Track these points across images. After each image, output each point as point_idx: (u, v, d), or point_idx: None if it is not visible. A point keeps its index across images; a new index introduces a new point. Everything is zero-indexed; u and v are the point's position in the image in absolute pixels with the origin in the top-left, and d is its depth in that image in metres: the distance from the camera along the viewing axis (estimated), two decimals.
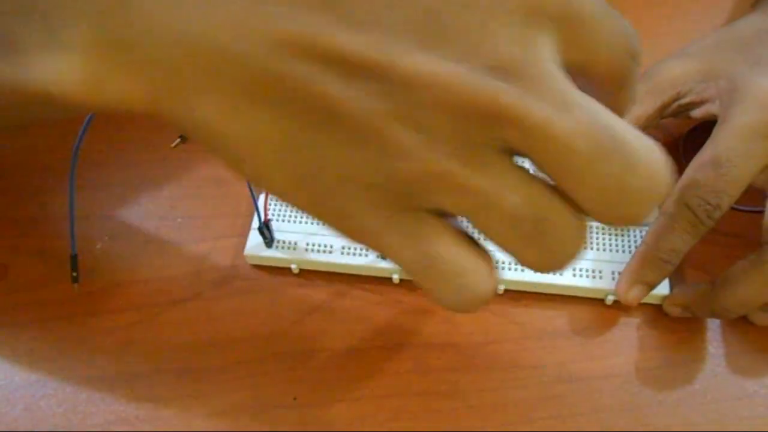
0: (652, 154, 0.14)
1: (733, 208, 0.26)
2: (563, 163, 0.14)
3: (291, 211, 0.29)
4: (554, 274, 0.26)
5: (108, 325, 0.27)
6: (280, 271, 0.28)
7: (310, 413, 0.25)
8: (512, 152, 0.15)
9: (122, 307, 0.28)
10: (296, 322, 0.27)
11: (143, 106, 0.15)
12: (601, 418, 0.24)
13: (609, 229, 0.28)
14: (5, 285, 0.29)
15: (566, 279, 0.27)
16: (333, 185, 0.15)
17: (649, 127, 0.29)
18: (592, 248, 0.27)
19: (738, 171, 0.23)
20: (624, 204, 0.14)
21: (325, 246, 0.28)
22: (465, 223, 0.16)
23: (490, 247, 0.16)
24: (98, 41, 0.15)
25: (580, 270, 0.27)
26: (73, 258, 0.27)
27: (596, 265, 0.27)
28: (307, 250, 0.28)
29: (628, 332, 0.26)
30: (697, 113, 0.27)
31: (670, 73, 0.27)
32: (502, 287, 0.27)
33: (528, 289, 0.27)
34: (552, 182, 0.15)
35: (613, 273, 0.26)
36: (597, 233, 0.28)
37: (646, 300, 0.26)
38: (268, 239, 0.28)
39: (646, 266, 0.25)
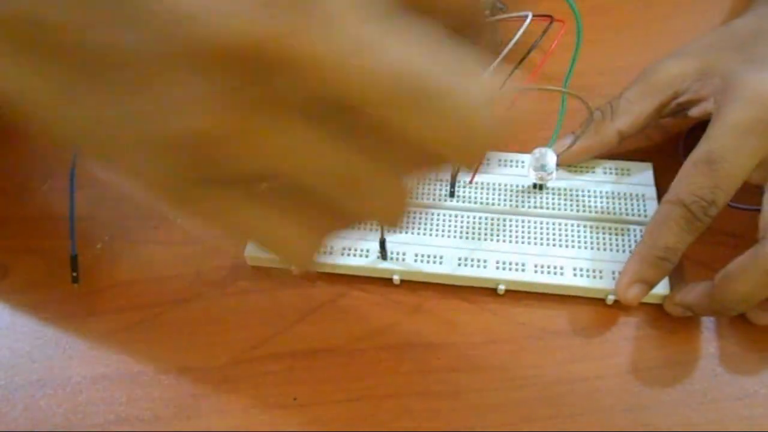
0: (468, 99, 0.12)
1: (733, 207, 0.26)
2: (367, 107, 0.12)
3: None
4: (553, 273, 0.27)
5: (108, 325, 0.27)
6: (280, 271, 0.28)
7: (310, 413, 0.25)
8: (320, 110, 0.13)
9: (122, 307, 0.28)
10: (296, 322, 0.27)
11: None
12: (601, 418, 0.24)
13: (609, 229, 0.28)
14: (5, 285, 0.29)
15: (566, 279, 0.27)
16: (121, 139, 0.14)
17: (648, 126, 0.29)
18: (592, 248, 0.27)
19: (731, 167, 0.24)
20: (443, 147, 0.13)
21: (326, 247, 0.28)
22: None
23: None
24: None
25: (581, 270, 0.27)
26: (74, 258, 0.27)
27: (596, 264, 0.27)
28: None
29: (628, 332, 0.26)
30: (694, 112, 0.27)
31: (667, 72, 0.28)
32: (502, 287, 0.27)
33: (528, 289, 0.27)
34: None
35: (613, 273, 0.26)
36: (596, 233, 0.28)
37: (647, 300, 0.26)
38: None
39: (643, 264, 0.25)
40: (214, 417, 0.25)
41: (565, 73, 0.27)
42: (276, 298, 0.28)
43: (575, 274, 0.27)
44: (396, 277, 0.27)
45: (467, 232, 0.28)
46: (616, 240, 0.27)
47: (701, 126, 0.26)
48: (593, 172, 0.30)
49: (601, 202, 0.29)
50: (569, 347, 0.26)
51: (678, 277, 0.27)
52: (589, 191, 0.29)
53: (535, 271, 0.27)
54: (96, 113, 0.13)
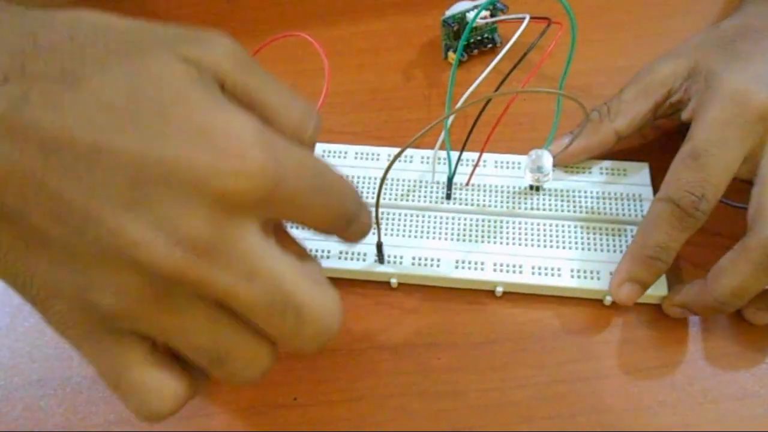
0: (322, 310, 0.18)
1: (733, 206, 0.26)
2: (247, 315, 0.17)
3: None
4: (550, 275, 0.27)
5: None
6: None
7: (310, 413, 0.25)
8: (211, 305, 0.17)
9: None
10: None
11: None
12: (601, 418, 0.24)
13: (606, 230, 0.28)
14: (5, 284, 0.29)
15: (564, 280, 0.27)
16: (41, 295, 0.17)
17: (644, 126, 0.29)
18: (589, 249, 0.27)
19: (716, 160, 0.24)
20: (299, 341, 0.18)
21: (323, 251, 0.28)
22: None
23: None
24: None
25: (578, 271, 0.27)
26: None
27: (594, 266, 0.27)
28: None
29: (628, 332, 0.26)
30: (684, 115, 0.27)
31: (660, 72, 0.28)
32: (500, 289, 0.27)
33: (526, 290, 0.27)
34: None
35: (610, 273, 0.26)
36: (593, 234, 0.28)
37: (645, 300, 0.26)
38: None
39: (635, 263, 0.25)
40: (214, 417, 0.25)
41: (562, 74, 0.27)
42: None
43: (572, 276, 0.27)
44: (394, 281, 0.28)
45: (464, 235, 0.28)
46: (614, 240, 0.28)
47: None
48: (590, 172, 0.30)
49: (598, 203, 0.29)
50: (569, 347, 0.26)
51: (676, 279, 0.27)
52: (585, 192, 0.29)
53: (533, 273, 0.27)
54: (28, 274, 0.16)
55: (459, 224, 0.28)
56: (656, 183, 0.29)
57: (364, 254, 0.28)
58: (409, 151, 0.30)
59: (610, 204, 0.29)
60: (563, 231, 0.28)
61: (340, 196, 0.19)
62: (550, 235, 0.28)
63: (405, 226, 0.28)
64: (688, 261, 0.28)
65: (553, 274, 0.27)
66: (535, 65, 0.25)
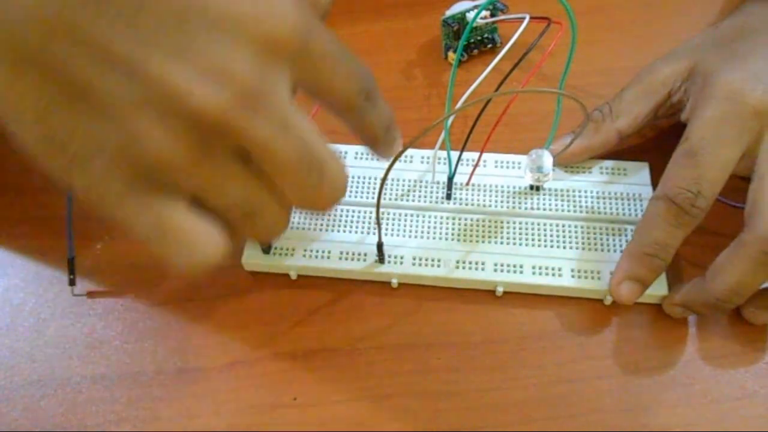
0: (336, 169, 0.19)
1: (733, 206, 0.26)
2: (277, 170, 0.18)
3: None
4: (551, 275, 0.27)
5: (108, 325, 0.27)
6: (278, 275, 0.28)
7: (310, 413, 0.25)
8: (241, 151, 0.18)
9: (122, 307, 0.28)
10: (296, 323, 0.27)
11: None
12: (601, 418, 0.24)
13: (606, 230, 0.28)
14: (5, 284, 0.29)
15: (564, 280, 0.27)
16: (81, 153, 0.17)
17: (645, 126, 0.29)
18: (589, 248, 0.27)
19: (712, 157, 0.24)
20: (316, 200, 0.19)
21: (323, 252, 0.28)
22: None
23: None
24: None
25: (579, 271, 0.27)
26: (71, 261, 0.28)
27: (594, 266, 0.27)
28: (304, 256, 0.28)
29: (628, 332, 0.26)
30: (683, 116, 0.27)
31: (660, 73, 0.28)
32: (500, 289, 0.27)
33: (526, 290, 0.27)
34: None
35: (611, 274, 0.26)
36: (594, 234, 0.28)
37: (645, 300, 0.26)
38: (266, 246, 0.28)
39: (633, 261, 0.25)
40: (214, 417, 0.25)
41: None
42: (276, 298, 0.28)
43: (573, 275, 0.27)
44: (394, 281, 0.27)
45: (464, 235, 0.28)
46: (614, 240, 0.28)
47: None
48: (590, 172, 0.30)
49: (598, 203, 0.29)
50: (569, 347, 0.26)
51: (676, 279, 0.27)
52: (585, 192, 0.29)
53: (533, 273, 0.27)
54: (69, 130, 0.16)
55: (459, 224, 0.28)
56: (656, 183, 0.29)
57: (365, 254, 0.28)
58: (409, 151, 0.30)
59: (611, 204, 0.29)
60: (563, 231, 0.28)
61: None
62: (551, 235, 0.28)
63: (405, 226, 0.28)
64: (689, 261, 0.28)
65: (553, 274, 0.27)
66: (535, 65, 0.25)
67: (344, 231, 0.28)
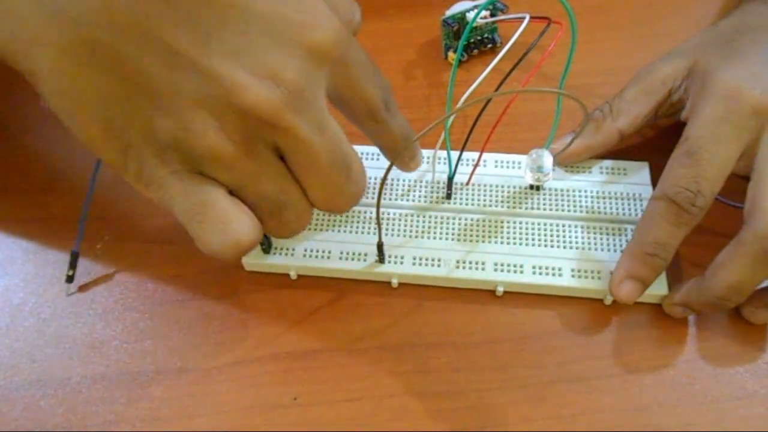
0: (361, 171, 0.21)
1: (733, 206, 0.26)
2: (310, 167, 0.20)
3: None
4: (551, 275, 0.27)
5: (108, 325, 0.27)
6: (278, 275, 0.28)
7: (310, 413, 0.25)
8: (278, 150, 0.20)
9: (122, 307, 0.28)
10: (296, 323, 0.27)
11: None
12: (601, 418, 0.24)
13: (606, 229, 0.28)
14: (5, 284, 0.29)
15: (565, 280, 0.27)
16: (137, 141, 0.18)
17: (646, 126, 0.29)
18: (589, 248, 0.27)
19: (711, 156, 0.24)
20: (339, 199, 0.21)
21: (323, 252, 0.28)
22: None
23: None
24: None
25: (579, 271, 0.27)
26: (74, 255, 0.28)
27: (594, 265, 0.27)
28: (304, 255, 0.28)
29: (628, 332, 0.26)
30: (683, 115, 0.27)
31: (661, 72, 0.28)
32: (501, 289, 0.27)
33: (527, 290, 0.27)
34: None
35: (611, 273, 0.26)
36: (594, 234, 0.28)
37: (645, 300, 0.26)
38: (266, 245, 0.28)
39: (633, 261, 0.25)
40: (214, 417, 0.25)
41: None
42: (276, 298, 0.28)
43: (573, 275, 0.27)
44: (394, 281, 0.27)
45: (464, 235, 0.28)
46: (614, 240, 0.28)
47: None
48: (590, 172, 0.30)
49: (598, 203, 0.29)
50: (569, 347, 0.26)
51: (676, 279, 0.27)
52: (585, 191, 0.29)
53: (534, 273, 0.27)
54: (127, 121, 0.18)
55: (459, 224, 0.28)
56: (656, 182, 0.29)
57: (365, 254, 0.28)
58: None
59: (611, 203, 0.29)
60: (564, 230, 0.28)
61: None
62: (551, 235, 0.28)
63: (405, 226, 0.28)
64: (689, 261, 0.28)
65: (553, 274, 0.27)
66: (535, 65, 0.25)
67: (344, 231, 0.28)
